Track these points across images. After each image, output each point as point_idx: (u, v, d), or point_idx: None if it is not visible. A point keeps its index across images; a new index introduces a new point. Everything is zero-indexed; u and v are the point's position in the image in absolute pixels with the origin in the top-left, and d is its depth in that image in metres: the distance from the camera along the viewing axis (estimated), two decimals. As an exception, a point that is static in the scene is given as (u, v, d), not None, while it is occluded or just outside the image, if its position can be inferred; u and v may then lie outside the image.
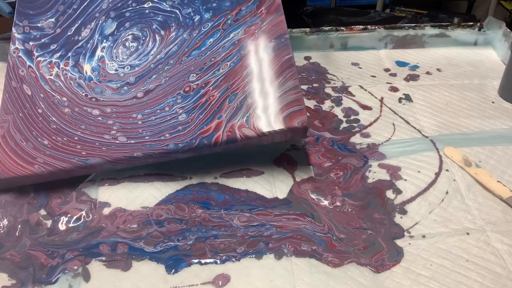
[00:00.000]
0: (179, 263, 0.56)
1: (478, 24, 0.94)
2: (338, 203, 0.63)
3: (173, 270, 0.55)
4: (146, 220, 0.60)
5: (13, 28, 0.71)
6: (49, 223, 0.60)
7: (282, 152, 0.70)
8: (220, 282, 0.54)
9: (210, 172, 0.66)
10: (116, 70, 0.69)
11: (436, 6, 2.04)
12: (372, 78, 0.86)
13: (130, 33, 0.70)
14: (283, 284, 0.54)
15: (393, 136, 0.73)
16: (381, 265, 0.56)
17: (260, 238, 0.58)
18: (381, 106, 0.79)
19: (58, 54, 0.70)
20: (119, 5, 0.72)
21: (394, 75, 0.87)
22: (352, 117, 0.77)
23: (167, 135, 0.62)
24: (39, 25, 0.71)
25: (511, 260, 0.57)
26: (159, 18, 0.71)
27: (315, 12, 1.46)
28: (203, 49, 0.67)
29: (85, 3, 0.72)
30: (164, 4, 0.71)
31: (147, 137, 0.63)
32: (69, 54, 0.70)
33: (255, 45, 0.66)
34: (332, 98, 0.81)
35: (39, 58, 0.69)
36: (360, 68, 0.88)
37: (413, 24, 0.94)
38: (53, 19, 0.71)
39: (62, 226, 0.60)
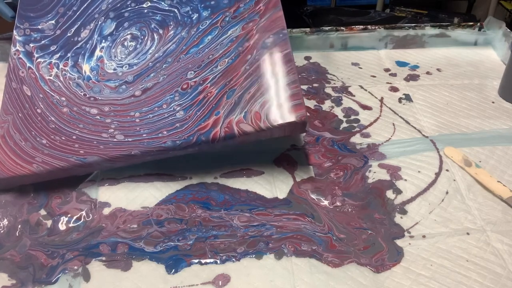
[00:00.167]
0: (179, 263, 0.56)
1: (478, 24, 0.94)
2: (338, 203, 0.63)
3: (173, 270, 0.55)
4: (146, 220, 0.60)
5: (14, 31, 0.71)
6: (49, 223, 0.60)
7: (282, 152, 0.70)
8: (220, 282, 0.54)
9: (210, 172, 0.66)
10: (114, 69, 0.69)
11: (436, 6, 2.04)
12: (372, 78, 0.86)
13: (128, 32, 0.71)
14: (283, 284, 0.54)
15: (393, 136, 0.73)
16: (381, 265, 0.56)
17: (260, 238, 0.58)
18: (381, 106, 0.79)
19: (57, 55, 0.70)
20: (118, 5, 0.72)
21: (394, 75, 0.87)
22: (352, 117, 0.77)
23: (165, 132, 0.62)
24: (39, 27, 0.72)
25: (511, 260, 0.57)
26: (157, 17, 0.71)
27: (315, 12, 1.47)
28: (201, 46, 0.68)
29: (85, 5, 0.72)
30: (163, 3, 0.72)
31: (144, 135, 0.63)
32: (69, 54, 0.70)
33: (253, 41, 0.66)
34: (332, 98, 0.81)
35: (39, 59, 0.70)
36: (360, 68, 0.88)
37: (413, 24, 0.94)
38: (53, 21, 0.72)
39: (62, 226, 0.60)
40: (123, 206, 0.62)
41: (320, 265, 0.56)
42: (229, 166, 0.67)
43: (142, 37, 0.70)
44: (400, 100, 0.81)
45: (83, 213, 0.61)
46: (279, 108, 0.61)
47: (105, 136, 0.63)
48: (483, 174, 0.67)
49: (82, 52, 0.70)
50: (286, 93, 0.61)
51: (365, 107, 0.79)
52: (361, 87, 0.83)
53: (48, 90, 0.68)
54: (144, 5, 0.72)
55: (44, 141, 0.63)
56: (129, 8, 0.72)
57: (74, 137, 0.64)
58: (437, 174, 0.67)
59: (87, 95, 0.67)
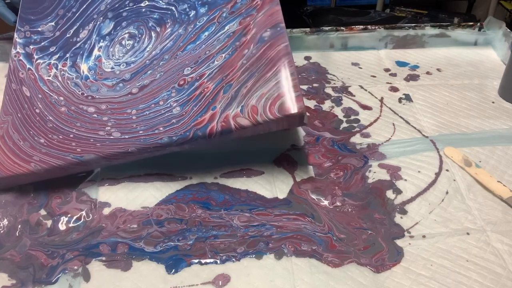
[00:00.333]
0: (179, 263, 0.56)
1: (478, 24, 0.94)
2: (338, 203, 0.63)
3: (173, 270, 0.55)
4: (146, 220, 0.60)
5: (15, 34, 0.72)
6: (49, 223, 0.60)
7: (282, 152, 0.70)
8: (220, 282, 0.54)
9: (210, 172, 0.66)
10: (112, 68, 0.69)
11: (436, 6, 2.04)
12: (372, 78, 0.86)
13: (126, 31, 0.71)
14: (283, 284, 0.54)
15: (393, 136, 0.73)
16: (381, 265, 0.56)
17: (260, 238, 0.58)
18: (381, 106, 0.79)
19: (56, 56, 0.71)
20: (116, 5, 0.73)
21: (394, 75, 0.87)
22: (352, 117, 0.77)
23: (161, 128, 0.62)
24: (39, 29, 0.73)
25: (511, 260, 0.57)
26: (155, 16, 0.71)
27: (315, 12, 1.46)
28: (198, 42, 0.68)
29: (84, 6, 0.73)
30: (161, 2, 0.72)
31: (141, 132, 0.63)
32: (67, 55, 0.71)
33: (250, 35, 0.65)
34: (332, 98, 0.81)
35: (38, 61, 0.71)
36: (360, 68, 0.88)
37: (413, 24, 0.94)
38: (53, 23, 0.73)
39: (62, 226, 0.60)
40: (123, 206, 0.62)
41: (320, 265, 0.56)
42: (229, 166, 0.67)
43: (139, 35, 0.71)
44: (400, 100, 0.81)
45: (83, 213, 0.61)
46: (276, 101, 0.60)
47: (101, 134, 0.63)
48: (483, 174, 0.67)
49: (81, 52, 0.71)
50: (283, 86, 0.60)
51: (365, 107, 0.79)
52: (361, 87, 0.83)
53: (46, 90, 0.68)
54: (142, 4, 0.72)
55: (42, 140, 0.63)
56: (127, 8, 0.73)
57: (71, 135, 0.64)
58: (437, 174, 0.67)
59: (85, 94, 0.68)
